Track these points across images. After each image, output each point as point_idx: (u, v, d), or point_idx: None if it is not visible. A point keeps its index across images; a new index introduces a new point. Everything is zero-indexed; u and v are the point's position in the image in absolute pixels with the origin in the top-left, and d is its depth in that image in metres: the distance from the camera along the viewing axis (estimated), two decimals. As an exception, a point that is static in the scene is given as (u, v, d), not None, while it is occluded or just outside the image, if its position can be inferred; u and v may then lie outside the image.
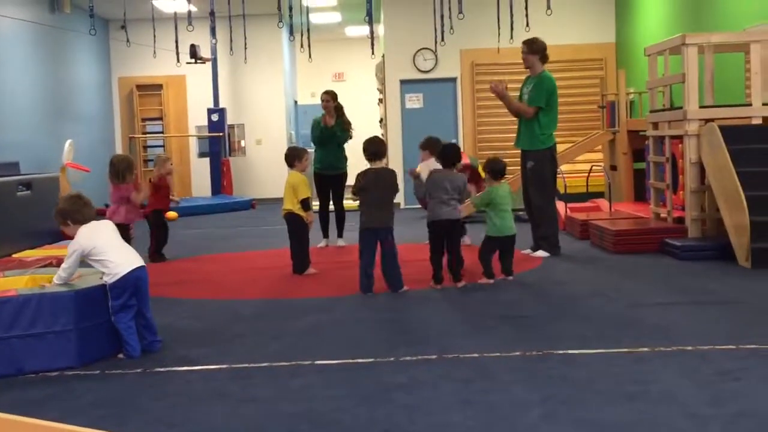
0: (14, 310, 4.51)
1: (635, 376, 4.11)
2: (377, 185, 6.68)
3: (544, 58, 8.30)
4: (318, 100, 9.87)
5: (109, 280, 4.81)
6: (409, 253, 7.85)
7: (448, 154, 6.96)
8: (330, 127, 9.54)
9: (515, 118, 8.55)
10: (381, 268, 6.69)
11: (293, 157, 7.83)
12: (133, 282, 4.87)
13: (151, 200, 8.92)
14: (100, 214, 14.06)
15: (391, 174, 6.88)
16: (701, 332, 4.98)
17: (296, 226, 7.67)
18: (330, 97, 9.60)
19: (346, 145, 9.75)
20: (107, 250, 4.85)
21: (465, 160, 11.12)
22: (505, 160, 7.38)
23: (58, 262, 8.19)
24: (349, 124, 9.66)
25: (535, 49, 8.27)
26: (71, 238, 4.93)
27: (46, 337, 4.56)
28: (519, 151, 8.49)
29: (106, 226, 5.07)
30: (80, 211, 4.97)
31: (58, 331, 4.58)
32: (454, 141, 14.03)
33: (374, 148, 6.86)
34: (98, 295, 4.81)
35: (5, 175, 10.10)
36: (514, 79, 8.89)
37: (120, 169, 7.53)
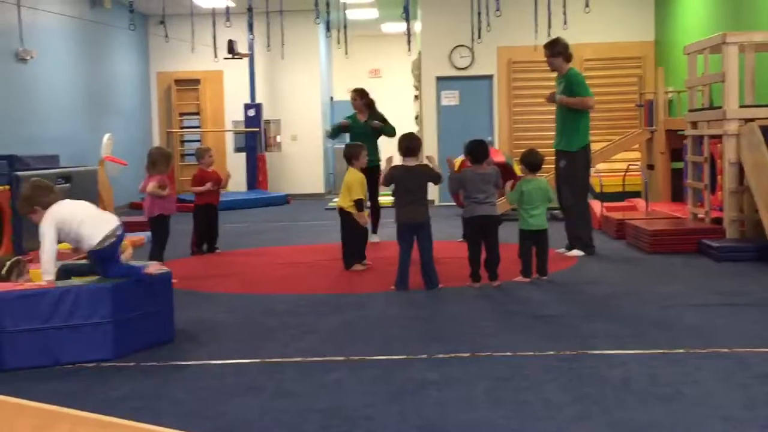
0: (52, 302, 4.57)
1: (670, 378, 4.08)
2: (408, 178, 6.68)
3: (568, 57, 8.24)
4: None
5: (96, 247, 4.81)
6: (444, 251, 7.84)
7: (476, 150, 6.91)
8: (364, 122, 9.60)
9: (553, 117, 8.50)
10: (420, 264, 6.69)
11: (350, 155, 7.88)
12: (118, 239, 4.91)
13: (197, 195, 9.05)
14: (136, 208, 14.20)
15: (425, 167, 6.86)
16: (738, 334, 4.92)
17: (345, 223, 7.74)
18: (357, 95, 9.66)
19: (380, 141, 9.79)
20: (84, 219, 4.83)
21: (500, 158, 11.10)
22: (544, 157, 7.34)
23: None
24: (382, 116, 9.71)
25: (557, 50, 8.21)
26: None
27: (84, 328, 4.62)
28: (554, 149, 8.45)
29: (75, 202, 4.98)
30: (46, 195, 4.88)
31: (95, 323, 4.64)
32: (489, 139, 13.98)
33: (407, 143, 6.85)
34: (135, 288, 4.86)
35: (45, 168, 10.22)
36: (550, 77, 8.82)
37: (153, 160, 7.55)
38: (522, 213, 6.96)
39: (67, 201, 4.98)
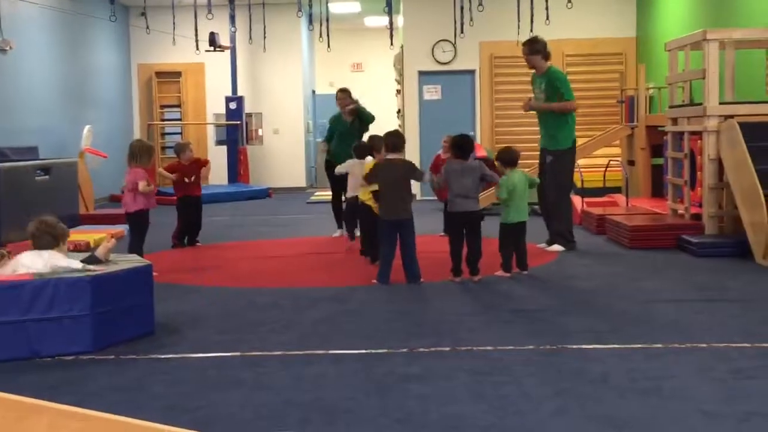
0: (31, 294, 4.54)
1: (649, 373, 4.11)
2: (390, 173, 6.68)
3: (546, 56, 8.24)
4: (335, 90, 9.91)
5: None
6: (426, 245, 7.84)
7: (462, 145, 6.92)
8: (350, 122, 9.60)
9: (534, 113, 8.51)
10: (401, 259, 6.70)
11: (372, 147, 7.75)
12: None
13: (177, 187, 9.01)
14: (116, 200, 14.13)
15: (406, 163, 6.86)
16: (716, 330, 4.96)
17: (365, 216, 7.68)
18: (347, 94, 9.67)
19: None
20: None
21: (482, 152, 11.12)
22: (520, 152, 7.35)
23: (75, 246, 8.24)
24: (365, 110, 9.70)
25: (536, 48, 8.20)
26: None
27: (62, 321, 4.59)
28: (535, 144, 8.45)
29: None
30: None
31: (74, 315, 4.61)
32: (471, 134, 14.00)
33: (393, 140, 6.86)
34: (115, 280, 4.83)
35: (24, 160, 10.16)
36: (531, 72, 8.82)
37: (133, 152, 7.46)
38: (505, 207, 6.97)
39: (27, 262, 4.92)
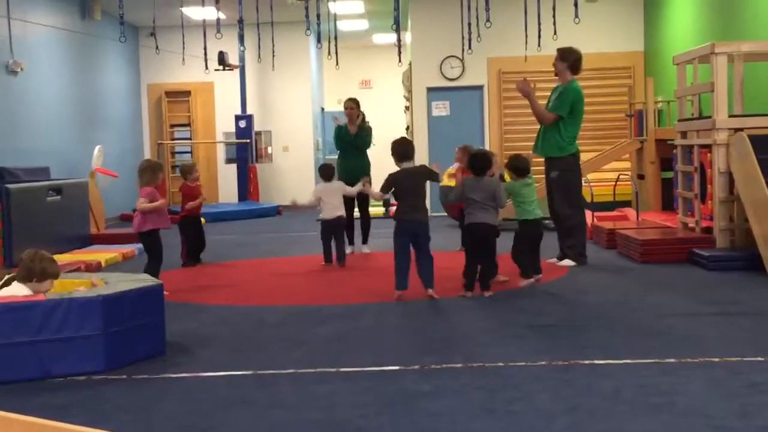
0: (43, 315, 4.55)
1: (662, 388, 4.08)
2: (409, 180, 6.72)
3: (574, 69, 8.29)
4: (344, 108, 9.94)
5: None
6: (438, 261, 7.83)
7: (478, 162, 6.94)
8: (354, 134, 9.62)
9: (538, 125, 8.53)
10: (416, 263, 6.71)
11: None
12: None
13: (182, 207, 9.04)
14: (126, 219, 14.15)
15: (422, 167, 6.91)
16: (729, 344, 4.94)
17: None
18: (354, 104, 9.68)
19: (369, 153, 9.81)
20: None
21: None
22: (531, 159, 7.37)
23: (87, 267, 8.27)
24: (370, 129, 9.75)
25: (565, 56, 8.28)
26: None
27: (74, 341, 4.59)
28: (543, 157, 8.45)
29: None
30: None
31: (86, 335, 4.61)
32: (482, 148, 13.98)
33: (403, 149, 6.85)
34: (126, 300, 4.84)
35: (35, 181, 10.20)
36: (540, 87, 8.85)
37: (138, 171, 7.43)
38: (518, 207, 6.95)
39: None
